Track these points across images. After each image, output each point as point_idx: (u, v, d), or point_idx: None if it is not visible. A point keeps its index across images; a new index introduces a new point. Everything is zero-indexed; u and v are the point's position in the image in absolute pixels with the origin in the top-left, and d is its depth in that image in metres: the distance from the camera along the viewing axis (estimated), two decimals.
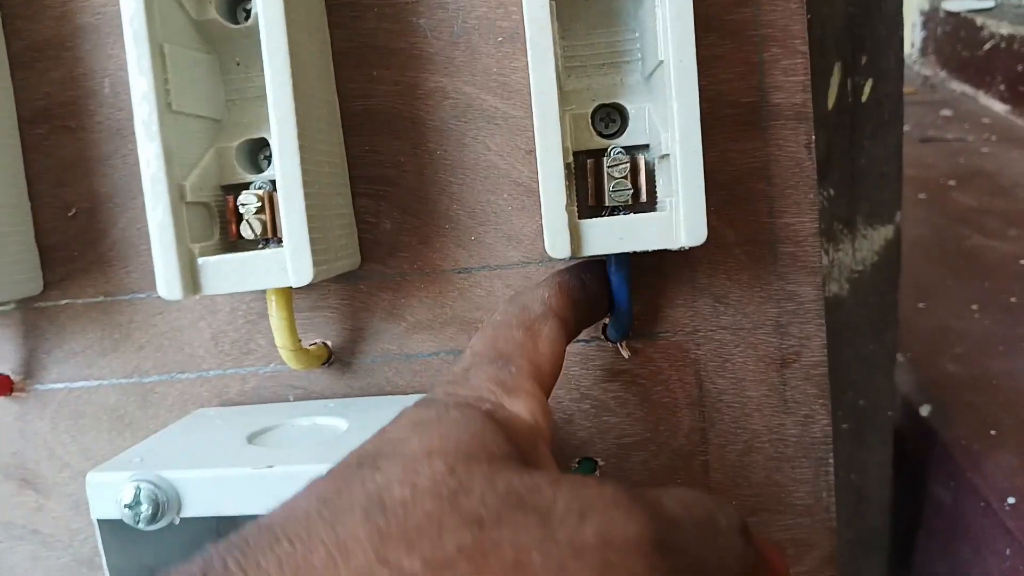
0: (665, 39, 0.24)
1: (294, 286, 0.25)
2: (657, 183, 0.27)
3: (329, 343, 0.31)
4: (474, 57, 0.30)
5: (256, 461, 0.24)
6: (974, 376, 0.59)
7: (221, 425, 0.28)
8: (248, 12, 0.28)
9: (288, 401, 0.31)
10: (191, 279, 0.26)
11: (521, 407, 0.20)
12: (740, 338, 0.30)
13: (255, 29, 0.28)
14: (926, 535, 0.57)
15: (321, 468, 0.23)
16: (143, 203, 0.30)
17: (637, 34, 0.28)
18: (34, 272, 0.31)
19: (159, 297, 0.31)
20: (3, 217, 0.30)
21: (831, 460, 0.31)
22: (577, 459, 0.31)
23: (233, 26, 0.28)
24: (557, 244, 0.25)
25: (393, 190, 0.31)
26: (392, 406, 0.30)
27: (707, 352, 0.31)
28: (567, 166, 0.25)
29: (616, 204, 0.27)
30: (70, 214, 0.31)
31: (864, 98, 0.45)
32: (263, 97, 0.28)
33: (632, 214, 0.26)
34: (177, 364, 0.32)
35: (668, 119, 0.25)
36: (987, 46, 1.15)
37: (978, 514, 0.51)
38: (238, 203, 0.27)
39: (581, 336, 0.31)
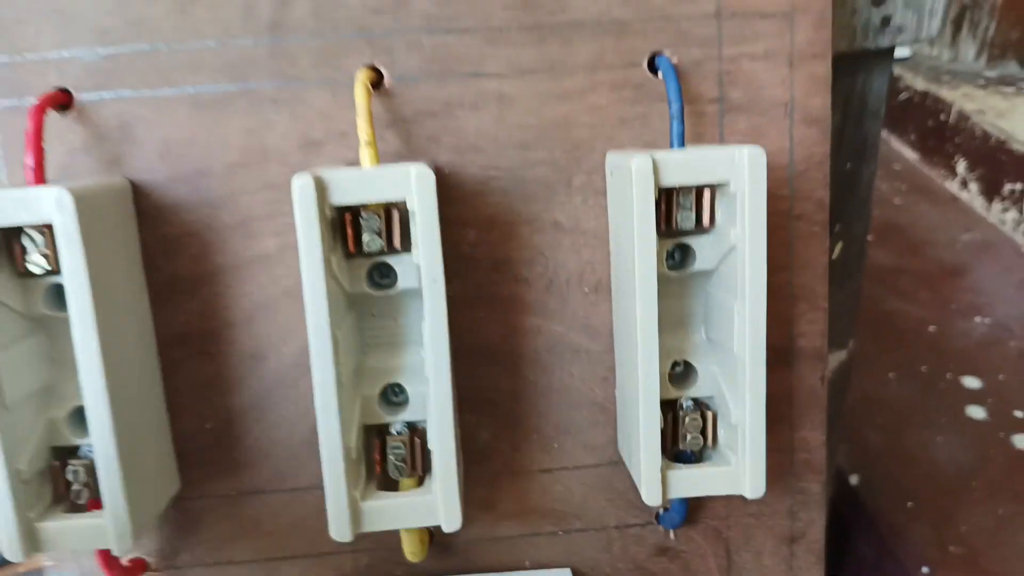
0: (742, 339, 0.31)
1: (446, 530, 0.31)
2: (719, 432, 0.34)
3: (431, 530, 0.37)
4: (564, 303, 0.36)
5: None
6: (894, 448, 0.71)
7: None
8: (383, 275, 0.33)
9: None
10: (356, 521, 0.31)
11: None
12: (761, 522, 0.39)
13: (398, 296, 0.33)
14: None
15: None
16: (273, 420, 0.36)
17: (703, 301, 0.35)
18: (173, 475, 0.35)
19: (284, 493, 0.36)
20: (146, 428, 0.34)
21: None
22: None
23: (377, 293, 0.33)
24: (652, 492, 0.32)
25: (491, 408, 0.37)
26: None
27: (736, 532, 0.39)
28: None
29: (684, 450, 0.34)
30: (207, 426, 0.36)
31: (834, 256, 0.54)
32: (396, 344, 0.34)
33: (707, 467, 0.33)
34: (300, 548, 0.37)
35: (738, 396, 0.32)
36: (902, 96, 1.26)
37: None
38: (387, 450, 0.32)
39: (637, 520, 0.38)
